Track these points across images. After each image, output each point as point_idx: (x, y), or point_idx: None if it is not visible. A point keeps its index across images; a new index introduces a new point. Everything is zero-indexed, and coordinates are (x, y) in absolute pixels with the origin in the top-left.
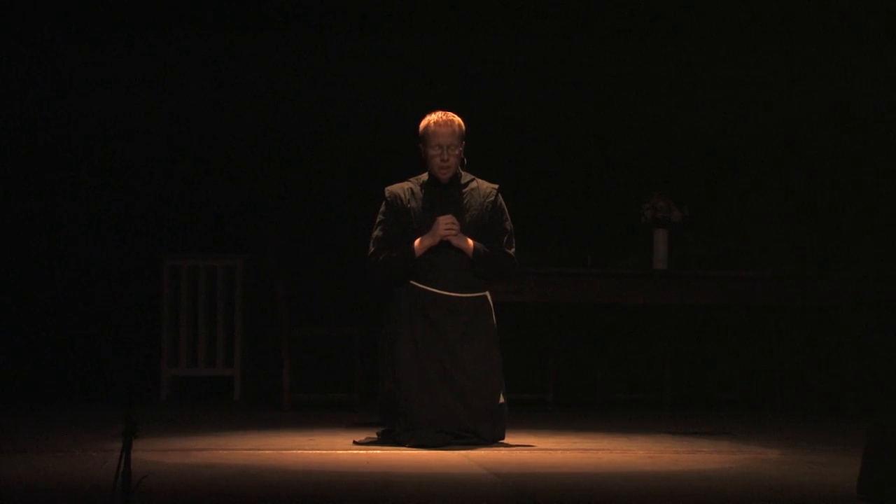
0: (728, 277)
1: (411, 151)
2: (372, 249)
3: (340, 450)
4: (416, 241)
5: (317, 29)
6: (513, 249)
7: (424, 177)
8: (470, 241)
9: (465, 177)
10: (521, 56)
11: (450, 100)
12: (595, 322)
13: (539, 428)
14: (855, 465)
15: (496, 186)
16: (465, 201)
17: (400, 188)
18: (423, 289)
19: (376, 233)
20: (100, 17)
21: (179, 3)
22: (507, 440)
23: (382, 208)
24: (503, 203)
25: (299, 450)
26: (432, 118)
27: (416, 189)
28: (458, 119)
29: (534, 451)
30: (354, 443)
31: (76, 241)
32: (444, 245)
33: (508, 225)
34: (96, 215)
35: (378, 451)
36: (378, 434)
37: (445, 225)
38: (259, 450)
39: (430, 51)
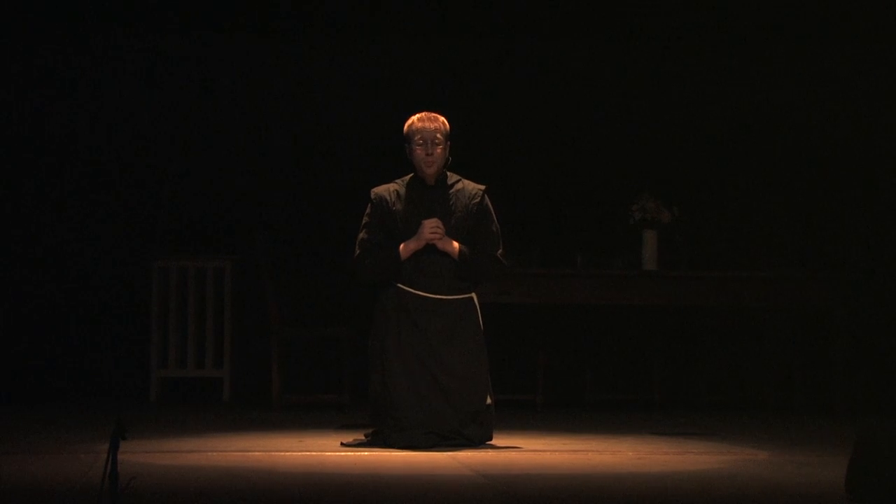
0: (718, 278)
1: (405, 152)
2: (357, 252)
3: (330, 451)
4: (402, 246)
5: (314, 30)
6: (500, 251)
7: (410, 178)
8: (455, 244)
9: (451, 178)
10: (515, 57)
11: (445, 100)
12: (584, 323)
13: (528, 429)
14: (844, 466)
15: (482, 187)
16: (450, 203)
17: (385, 190)
18: (408, 291)
19: (361, 235)
20: (99, 17)
21: (178, 3)
22: (495, 441)
23: (368, 210)
24: (489, 204)
25: (289, 451)
26: (416, 116)
27: (402, 190)
28: (441, 118)
29: (522, 452)
30: (342, 444)
31: (66, 241)
32: (430, 248)
33: (495, 227)
34: (86, 216)
35: (366, 453)
36: (366, 435)
37: (430, 229)
38: (248, 451)
39: (430, 51)
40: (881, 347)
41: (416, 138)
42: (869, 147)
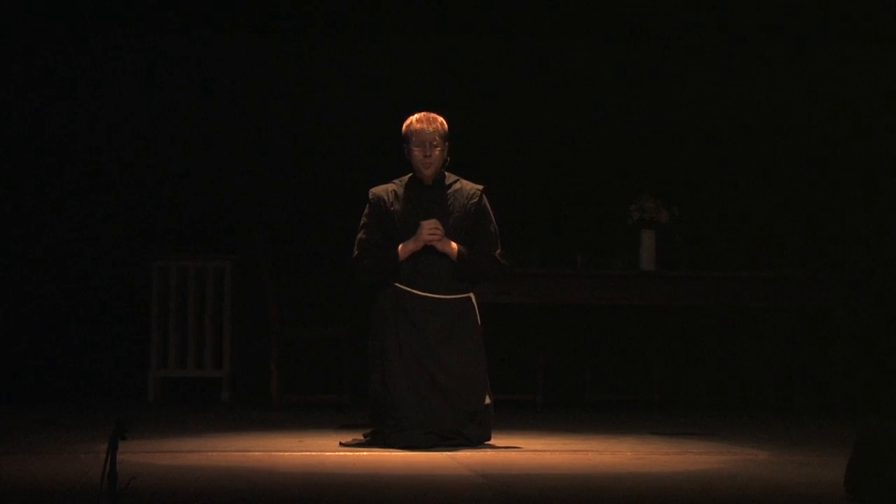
0: (718, 278)
1: (403, 152)
2: (356, 252)
3: (330, 451)
4: (400, 246)
5: (314, 30)
6: (499, 251)
7: (408, 178)
8: (454, 245)
9: (449, 178)
10: (515, 57)
11: (445, 100)
12: (584, 323)
13: (528, 429)
14: (844, 466)
15: (481, 187)
16: (448, 203)
17: (384, 190)
18: (406, 291)
19: (360, 235)
20: (99, 17)
21: (178, 3)
22: (494, 441)
23: (366, 210)
24: (488, 204)
25: (288, 451)
26: (414, 117)
27: (400, 191)
28: (440, 118)
29: (521, 452)
30: (341, 444)
31: (66, 241)
32: (428, 248)
33: (493, 227)
34: (86, 216)
35: (365, 453)
36: (365, 435)
37: (429, 230)
38: (248, 451)
39: (430, 51)
40: (881, 347)
41: (413, 139)
42: (869, 147)
